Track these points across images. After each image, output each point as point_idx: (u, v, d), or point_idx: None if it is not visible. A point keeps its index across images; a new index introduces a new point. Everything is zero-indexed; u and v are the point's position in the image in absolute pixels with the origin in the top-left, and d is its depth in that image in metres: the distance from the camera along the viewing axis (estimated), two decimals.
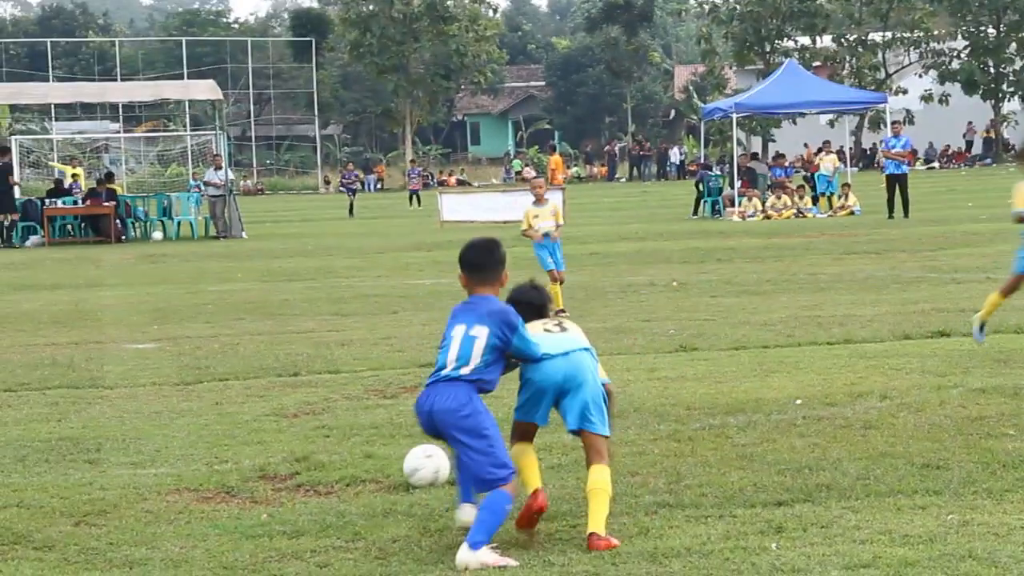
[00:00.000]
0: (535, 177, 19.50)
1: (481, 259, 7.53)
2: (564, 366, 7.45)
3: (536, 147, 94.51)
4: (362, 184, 52.08)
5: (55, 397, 12.21)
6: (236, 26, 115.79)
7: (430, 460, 7.70)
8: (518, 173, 78.43)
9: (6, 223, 36.49)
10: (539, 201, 18.22)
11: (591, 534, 7.16)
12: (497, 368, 7.36)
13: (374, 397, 11.78)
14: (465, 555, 6.93)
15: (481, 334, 7.26)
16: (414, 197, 56.55)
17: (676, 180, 78.37)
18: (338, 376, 13.03)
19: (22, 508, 8.24)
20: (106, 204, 37.23)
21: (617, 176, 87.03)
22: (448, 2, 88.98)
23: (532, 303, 7.81)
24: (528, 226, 18.15)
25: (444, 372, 7.28)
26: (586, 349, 7.60)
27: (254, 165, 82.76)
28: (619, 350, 14.14)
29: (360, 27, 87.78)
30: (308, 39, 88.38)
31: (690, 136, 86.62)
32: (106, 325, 17.99)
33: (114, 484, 8.79)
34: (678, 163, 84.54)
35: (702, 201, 41.10)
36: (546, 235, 17.99)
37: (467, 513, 7.40)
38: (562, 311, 16.76)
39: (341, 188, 56.35)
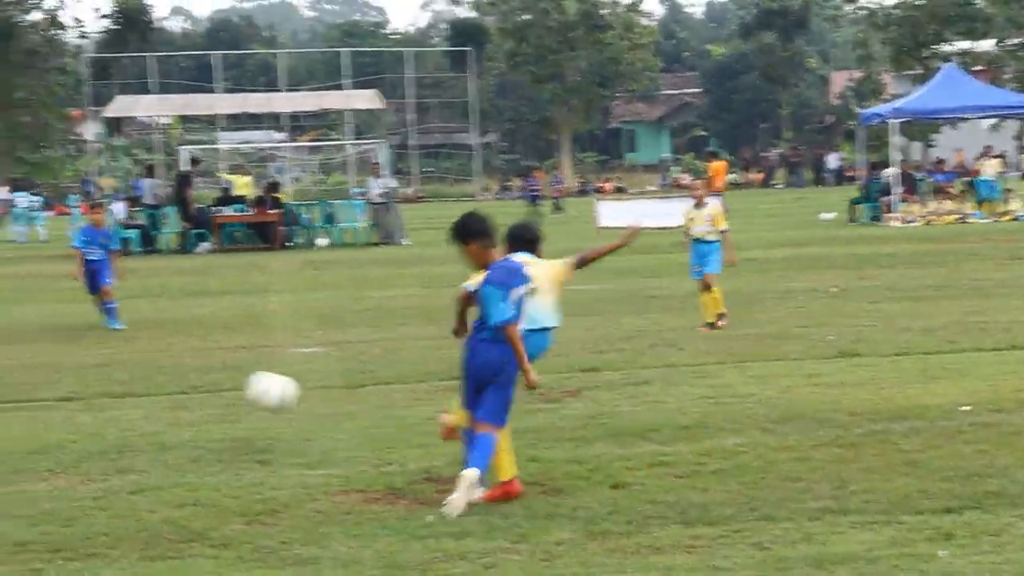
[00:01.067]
0: (696, 180, 18.94)
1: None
2: None
3: (692, 154, 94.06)
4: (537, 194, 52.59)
5: (228, 399, 12.51)
6: (396, 36, 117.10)
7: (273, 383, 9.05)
8: (674, 180, 78.16)
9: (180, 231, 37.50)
10: (699, 204, 17.63)
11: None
12: None
13: (536, 402, 11.88)
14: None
15: None
16: (554, 204, 57.22)
17: (833, 186, 77.37)
18: None
19: (198, 507, 8.47)
20: (272, 212, 37.96)
21: (773, 182, 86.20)
22: (603, 11, 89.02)
23: (523, 237, 9.36)
24: (687, 227, 17.63)
25: None
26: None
27: (414, 173, 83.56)
28: (778, 356, 14.09)
29: (516, 36, 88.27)
30: (466, 49, 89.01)
31: (847, 142, 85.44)
32: (274, 329, 18.38)
33: (285, 484, 8.99)
34: (835, 169, 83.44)
35: (861, 207, 40.60)
36: (697, 240, 17.30)
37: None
38: (722, 315, 16.69)
39: (521, 195, 56.98)
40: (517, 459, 9.44)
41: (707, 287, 16.98)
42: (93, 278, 18.83)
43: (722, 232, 17.26)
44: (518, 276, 8.58)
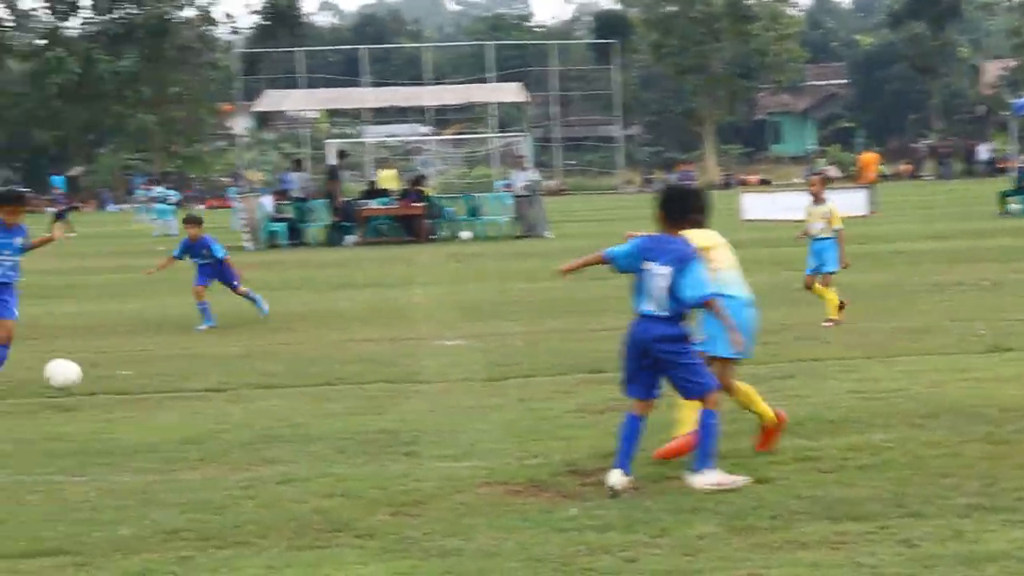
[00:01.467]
0: (814, 175, 18.17)
1: None
2: None
3: (839, 145, 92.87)
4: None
5: (372, 391, 12.65)
6: (540, 30, 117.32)
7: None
8: (816, 173, 77.23)
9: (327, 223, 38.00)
10: (817, 200, 17.04)
11: None
12: None
13: (678, 395, 11.81)
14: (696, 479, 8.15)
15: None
16: None
17: (984, 177, 75.89)
18: None
19: (344, 497, 8.56)
20: (416, 205, 38.26)
21: (922, 174, 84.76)
22: (749, 1, 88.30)
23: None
24: (807, 224, 17.14)
25: None
26: None
27: (557, 166, 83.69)
28: (927, 350, 13.86)
29: (661, 28, 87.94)
30: (610, 41, 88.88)
31: (1000, 133, 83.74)
32: (419, 321, 18.52)
33: (429, 476, 9.06)
34: (987, 160, 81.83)
35: (1015, 198, 39.78)
36: (815, 237, 16.81)
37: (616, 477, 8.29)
38: (833, 321, 16.20)
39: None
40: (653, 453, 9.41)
41: (825, 284, 16.66)
42: (218, 278, 19.19)
43: (836, 231, 16.77)
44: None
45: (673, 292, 8.43)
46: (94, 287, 26.08)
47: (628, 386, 8.67)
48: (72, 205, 62.41)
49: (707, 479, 8.38)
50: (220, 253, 19.05)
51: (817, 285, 16.76)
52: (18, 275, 13.71)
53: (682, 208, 8.81)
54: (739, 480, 8.43)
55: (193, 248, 19.20)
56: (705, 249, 10.04)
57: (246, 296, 19.22)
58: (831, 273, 16.73)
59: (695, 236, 9.67)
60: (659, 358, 8.49)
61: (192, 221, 19.66)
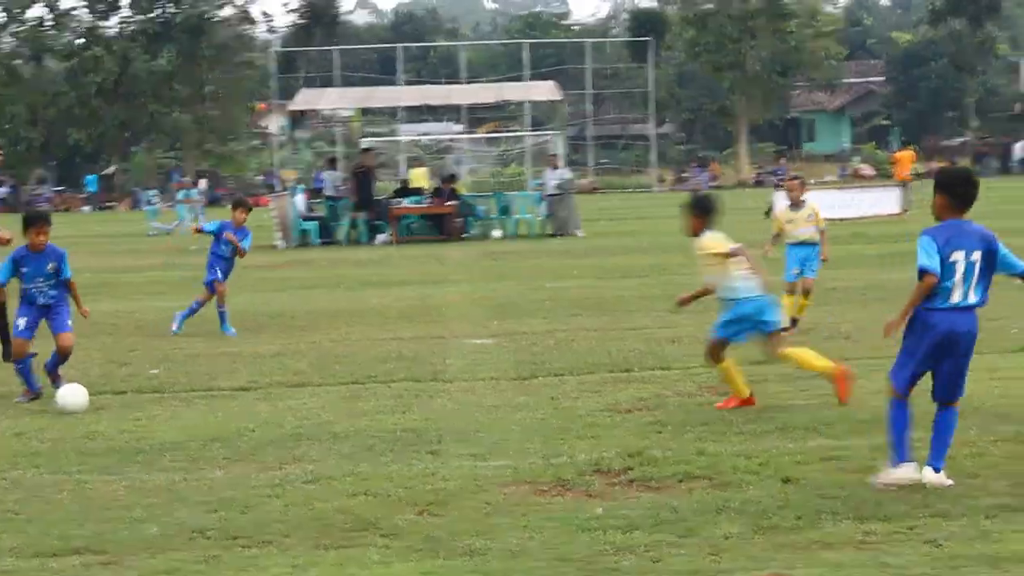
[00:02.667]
0: (792, 179, 17.21)
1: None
2: None
3: (874, 143, 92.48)
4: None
5: (399, 389, 12.68)
6: (576, 28, 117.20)
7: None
8: (855, 170, 76.91)
9: (359, 220, 37.86)
10: (795, 204, 16.42)
11: None
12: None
13: (706, 394, 11.82)
14: (932, 476, 8.22)
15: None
16: None
17: (1020, 176, 75.43)
18: (670, 372, 13.12)
19: (370, 496, 8.58)
20: (448, 203, 38.29)
21: None
22: None
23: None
24: (778, 231, 16.43)
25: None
26: None
27: (590, 164, 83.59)
28: None
29: (697, 25, 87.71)
30: (646, 39, 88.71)
31: None
32: (449, 320, 18.53)
33: (455, 475, 9.07)
34: (1022, 159, 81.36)
35: None
36: (800, 242, 16.19)
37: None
38: (795, 321, 15.53)
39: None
40: (685, 452, 9.40)
41: (805, 292, 16.13)
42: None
43: (822, 231, 16.24)
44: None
45: (991, 272, 8.31)
46: (130, 285, 26.15)
47: (911, 378, 8.43)
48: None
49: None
50: (247, 243, 18.04)
51: (792, 292, 16.13)
52: (64, 294, 13.01)
53: (972, 193, 8.73)
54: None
55: (237, 232, 18.01)
56: (723, 255, 10.51)
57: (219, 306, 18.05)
58: (814, 279, 16.24)
59: (715, 239, 10.23)
60: (964, 352, 8.40)
61: (242, 205, 18.47)
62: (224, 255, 18.01)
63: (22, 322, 12.91)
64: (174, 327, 17.59)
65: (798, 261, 16.22)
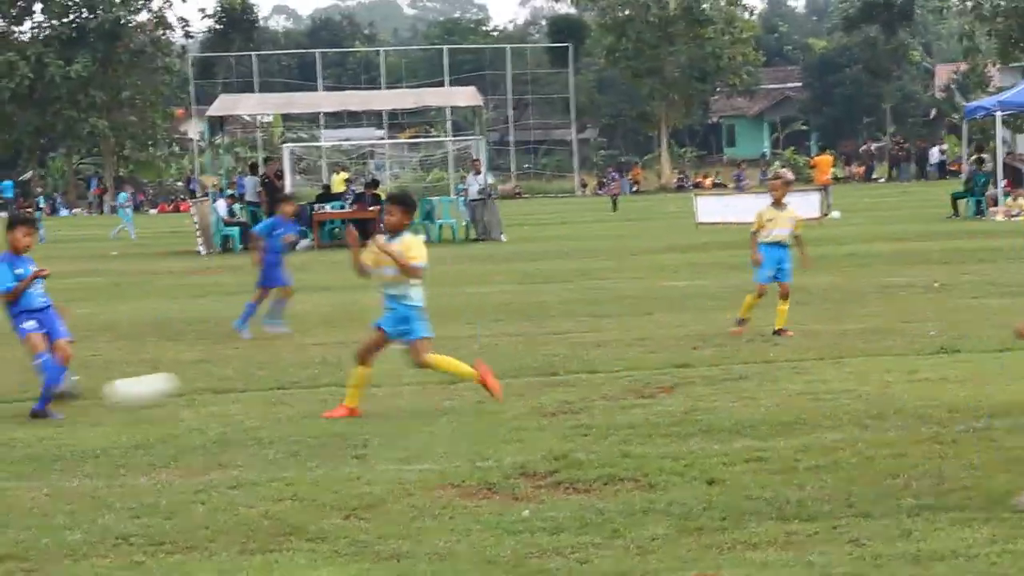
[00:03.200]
0: (774, 178, 16.73)
1: None
2: None
3: (792, 148, 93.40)
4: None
5: (324, 395, 12.63)
6: (495, 34, 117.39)
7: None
8: (777, 176, 77.55)
9: None
10: (777, 204, 16.02)
11: None
12: None
13: (631, 397, 11.87)
14: None
15: None
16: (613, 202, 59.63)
17: (937, 180, 76.47)
18: (595, 376, 13.16)
19: (296, 501, 8.54)
20: (371, 209, 38.20)
21: (875, 176, 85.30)
22: (704, 5, 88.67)
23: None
24: (759, 227, 15.96)
25: None
26: None
27: (512, 169, 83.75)
28: (878, 351, 13.96)
29: (616, 32, 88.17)
30: (565, 45, 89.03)
31: (951, 135, 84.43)
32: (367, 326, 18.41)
33: (381, 479, 9.05)
34: (938, 162, 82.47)
35: (966, 201, 40.12)
36: (777, 243, 15.86)
37: None
38: (782, 330, 15.43)
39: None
40: (610, 455, 9.44)
41: (783, 296, 15.70)
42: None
43: (797, 236, 15.99)
44: None
45: None
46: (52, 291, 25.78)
47: None
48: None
49: None
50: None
51: (761, 297, 15.91)
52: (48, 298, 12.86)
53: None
54: None
55: (284, 227, 18.30)
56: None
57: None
58: (790, 283, 15.93)
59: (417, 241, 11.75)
60: None
61: (288, 200, 18.79)
62: (281, 250, 18.30)
63: (30, 323, 12.60)
64: (269, 330, 17.75)
65: (773, 263, 15.87)
